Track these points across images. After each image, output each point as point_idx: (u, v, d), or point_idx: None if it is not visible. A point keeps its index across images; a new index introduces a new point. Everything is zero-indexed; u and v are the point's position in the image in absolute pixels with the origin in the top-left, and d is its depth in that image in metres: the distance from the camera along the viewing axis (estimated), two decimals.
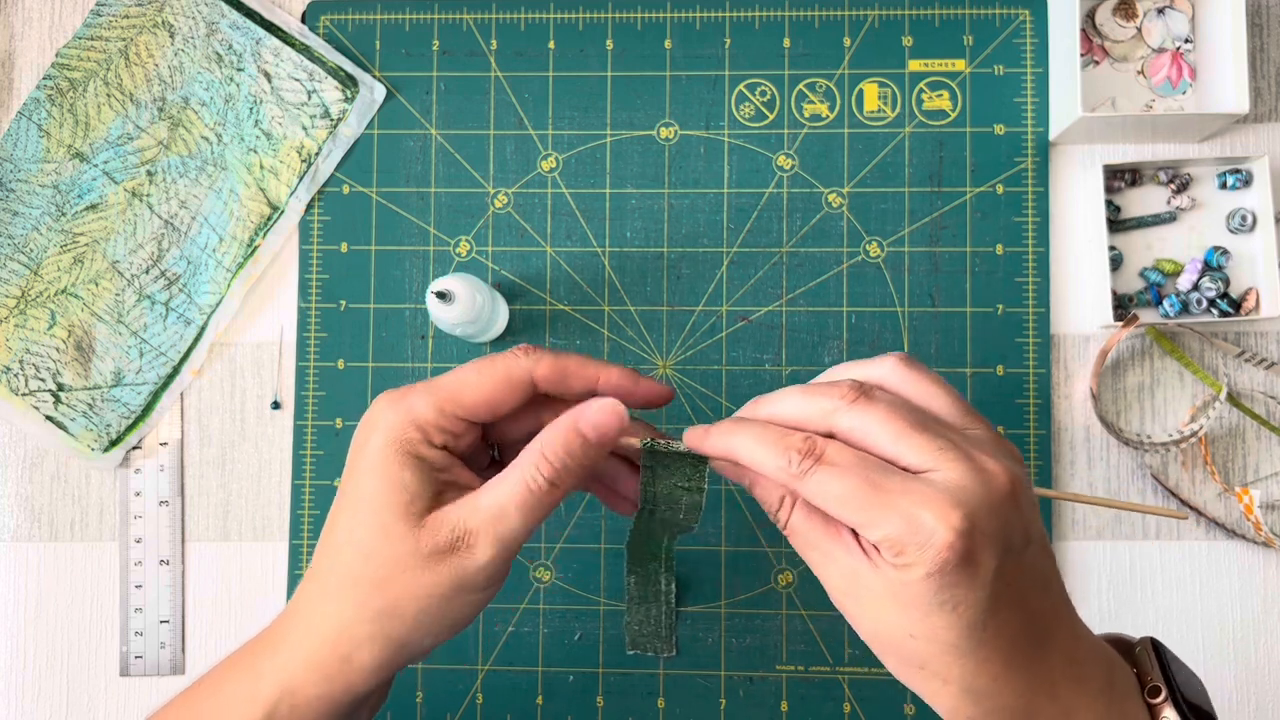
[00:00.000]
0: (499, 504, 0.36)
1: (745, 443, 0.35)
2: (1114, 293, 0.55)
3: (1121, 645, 0.39)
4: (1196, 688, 0.37)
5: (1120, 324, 0.53)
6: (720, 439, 0.36)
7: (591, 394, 0.39)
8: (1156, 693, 0.36)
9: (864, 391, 0.34)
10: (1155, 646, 0.38)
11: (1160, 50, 0.57)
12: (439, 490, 0.37)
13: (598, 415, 0.37)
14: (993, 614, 0.32)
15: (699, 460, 0.38)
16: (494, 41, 0.58)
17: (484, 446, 0.41)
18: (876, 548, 0.33)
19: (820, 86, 0.58)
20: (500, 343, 0.57)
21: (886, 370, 0.36)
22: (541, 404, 0.40)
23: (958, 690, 0.33)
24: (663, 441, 0.38)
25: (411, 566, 0.36)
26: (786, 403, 0.35)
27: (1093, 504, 0.39)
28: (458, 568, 0.36)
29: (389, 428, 0.37)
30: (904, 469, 0.33)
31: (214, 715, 0.37)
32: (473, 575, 0.36)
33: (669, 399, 0.40)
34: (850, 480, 0.32)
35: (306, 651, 0.37)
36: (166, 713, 0.39)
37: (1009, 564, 0.32)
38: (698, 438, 0.37)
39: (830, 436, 0.34)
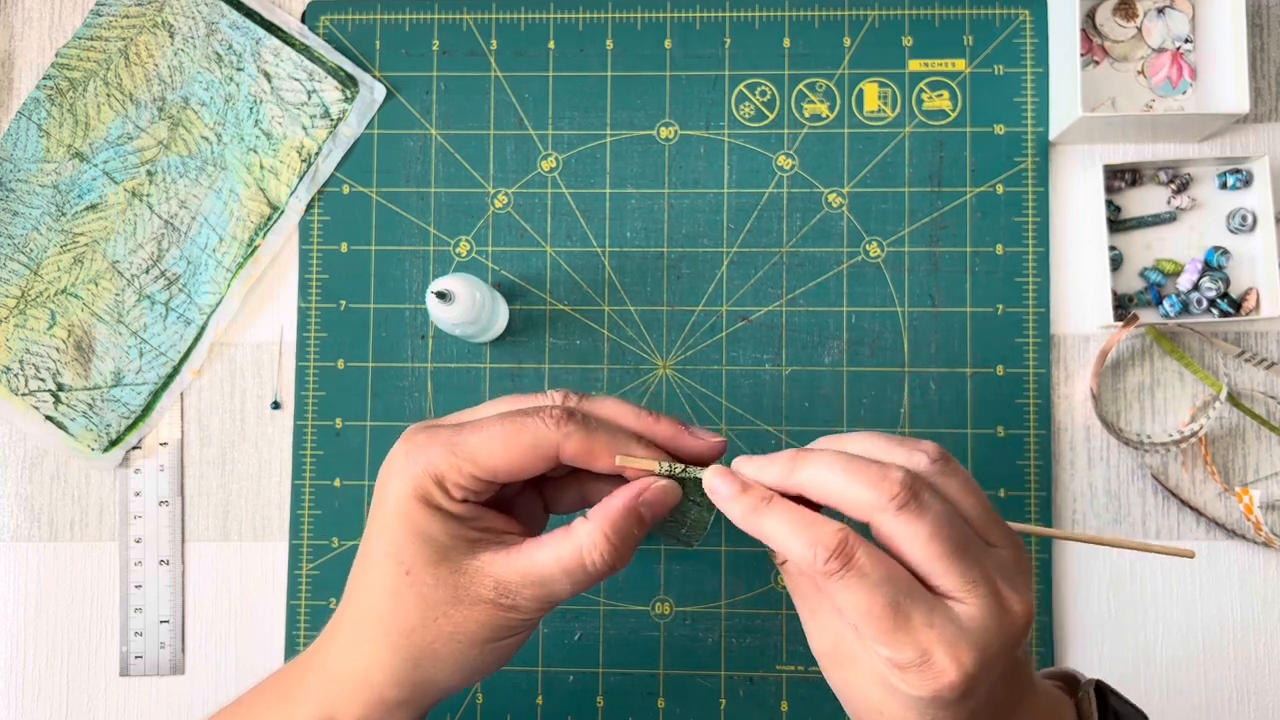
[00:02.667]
0: (547, 569, 0.35)
1: (774, 527, 0.34)
2: (1114, 293, 0.55)
3: (1069, 681, 0.40)
4: None
5: (1120, 324, 0.53)
6: (746, 517, 0.35)
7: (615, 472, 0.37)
8: None
9: (915, 495, 0.32)
10: (1099, 690, 0.38)
11: (1160, 50, 0.57)
12: (471, 538, 0.36)
13: (657, 499, 0.36)
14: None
15: None
16: (494, 41, 0.58)
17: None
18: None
19: (820, 86, 0.58)
20: (501, 343, 0.57)
21: (925, 465, 0.34)
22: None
23: None
24: (680, 468, 0.37)
25: (447, 612, 0.35)
26: (832, 475, 0.33)
27: (1099, 544, 0.38)
28: (498, 618, 0.36)
29: (407, 479, 0.36)
30: (931, 587, 0.32)
31: None
32: (512, 626, 0.36)
33: (723, 450, 0.38)
34: (876, 598, 0.31)
35: (344, 688, 0.37)
36: None
37: (998, 687, 0.33)
38: (726, 495, 0.35)
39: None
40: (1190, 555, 0.37)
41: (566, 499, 0.41)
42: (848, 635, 0.34)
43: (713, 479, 0.36)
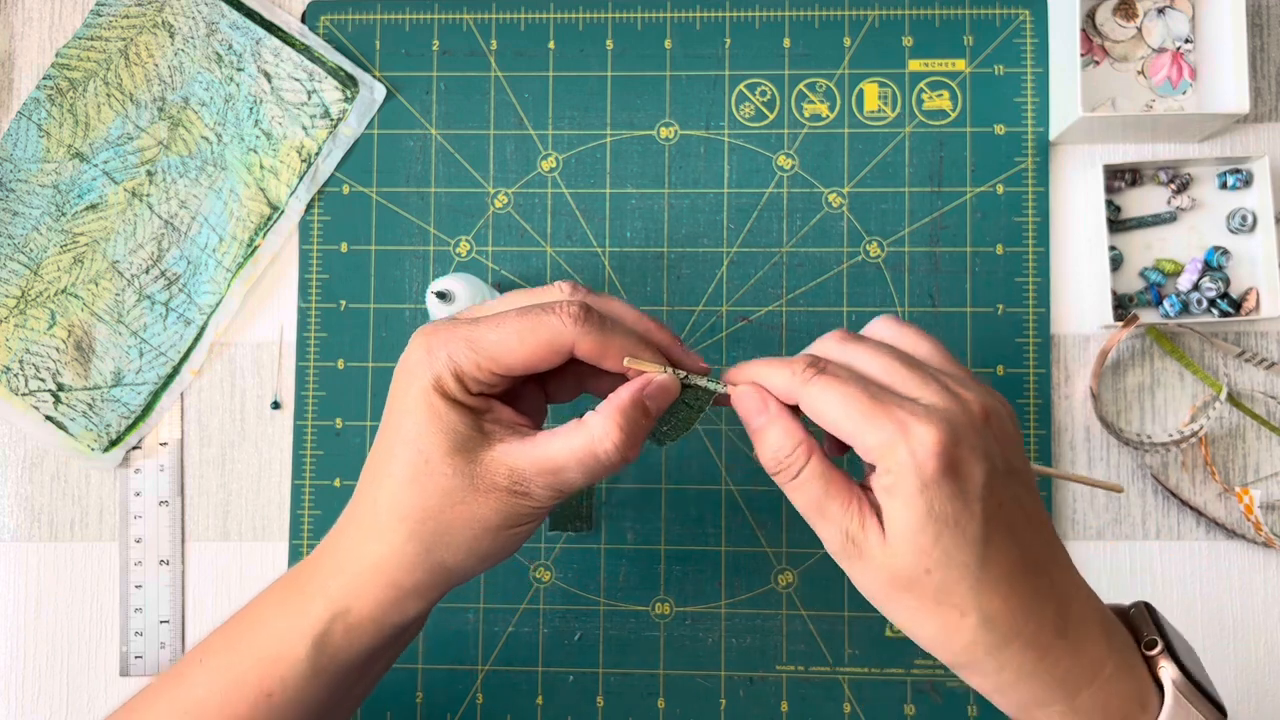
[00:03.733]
0: (560, 459, 0.37)
1: (759, 368, 0.38)
2: (1114, 293, 0.55)
3: (1115, 610, 0.40)
4: (1189, 649, 0.38)
5: (1120, 324, 0.53)
6: (743, 370, 0.38)
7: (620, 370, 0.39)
8: (1153, 645, 0.37)
9: (857, 337, 0.38)
10: (1149, 608, 0.39)
11: (1160, 50, 0.57)
12: (487, 430, 0.37)
13: (659, 393, 0.38)
14: (992, 532, 0.34)
15: (710, 391, 0.39)
16: (494, 41, 0.58)
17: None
18: (870, 491, 0.35)
19: (820, 86, 0.58)
20: None
21: (878, 326, 0.39)
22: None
23: (976, 620, 0.34)
24: (684, 374, 0.39)
25: (464, 499, 0.37)
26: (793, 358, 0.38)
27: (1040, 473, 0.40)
28: (512, 505, 0.37)
29: (429, 373, 0.37)
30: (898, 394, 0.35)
31: (263, 639, 0.38)
32: (525, 514, 0.38)
33: (706, 374, 0.41)
34: (849, 390, 0.35)
35: (356, 578, 0.37)
36: (211, 642, 0.40)
37: (995, 483, 0.34)
38: (728, 374, 0.39)
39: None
40: (1119, 490, 0.40)
41: (566, 389, 0.42)
42: (854, 528, 0.35)
43: (727, 371, 0.39)
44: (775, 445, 0.36)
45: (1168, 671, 0.37)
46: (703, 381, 0.39)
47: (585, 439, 0.36)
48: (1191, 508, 0.55)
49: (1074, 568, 0.37)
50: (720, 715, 0.55)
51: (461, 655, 0.56)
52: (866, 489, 0.36)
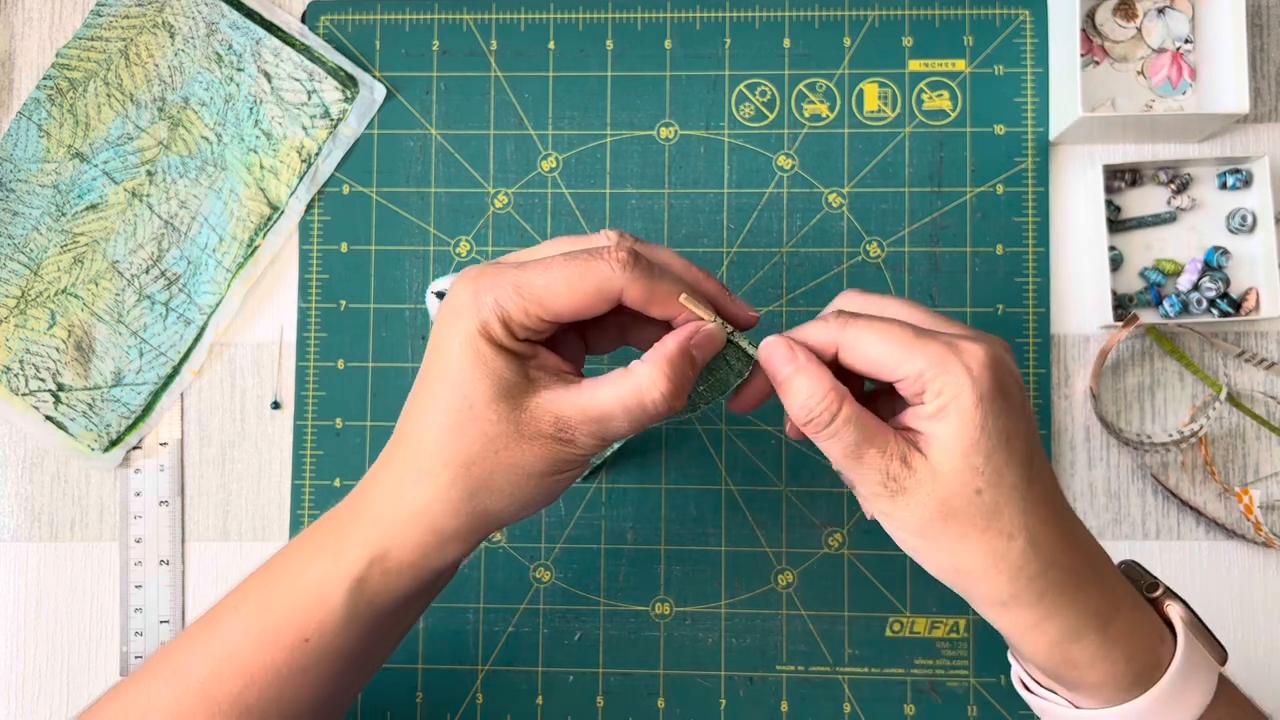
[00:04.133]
0: (607, 407, 0.36)
1: (799, 329, 0.38)
2: (1114, 293, 0.55)
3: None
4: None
5: (1120, 324, 0.53)
6: (785, 334, 0.38)
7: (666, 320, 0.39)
8: (1155, 588, 0.39)
9: (874, 294, 0.39)
10: (1138, 564, 0.41)
11: (1160, 50, 0.57)
12: (533, 376, 0.37)
13: (706, 342, 0.38)
14: (1033, 453, 0.35)
15: (750, 355, 0.39)
16: (494, 41, 0.58)
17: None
18: (910, 424, 0.36)
19: (820, 86, 0.58)
20: None
21: (853, 298, 0.40)
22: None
23: (1024, 543, 0.35)
24: (730, 328, 0.38)
25: (508, 446, 0.36)
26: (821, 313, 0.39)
27: None
28: (556, 452, 0.37)
29: (474, 316, 0.36)
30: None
31: (300, 584, 0.38)
32: (569, 461, 0.37)
33: (754, 323, 0.40)
34: (890, 326, 0.35)
35: (395, 524, 0.37)
36: (246, 588, 0.39)
37: (1029, 406, 0.36)
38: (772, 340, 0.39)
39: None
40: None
41: (607, 340, 0.41)
42: (895, 467, 0.35)
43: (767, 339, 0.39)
44: (805, 394, 0.36)
45: (1175, 610, 0.38)
46: (743, 341, 0.38)
47: (633, 387, 0.36)
48: (1191, 508, 0.55)
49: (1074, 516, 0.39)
50: (720, 715, 0.55)
51: (461, 655, 0.56)
52: (901, 429, 0.36)
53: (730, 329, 0.38)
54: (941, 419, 0.34)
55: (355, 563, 0.37)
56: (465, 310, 0.36)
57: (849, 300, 0.39)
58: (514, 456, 0.36)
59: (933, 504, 0.35)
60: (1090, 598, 0.36)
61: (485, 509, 0.37)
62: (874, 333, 0.35)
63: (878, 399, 0.40)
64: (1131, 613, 0.37)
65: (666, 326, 0.38)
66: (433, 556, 0.37)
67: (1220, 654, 0.39)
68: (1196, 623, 0.38)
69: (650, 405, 0.36)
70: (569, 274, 0.36)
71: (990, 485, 0.34)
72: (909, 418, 0.36)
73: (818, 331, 0.37)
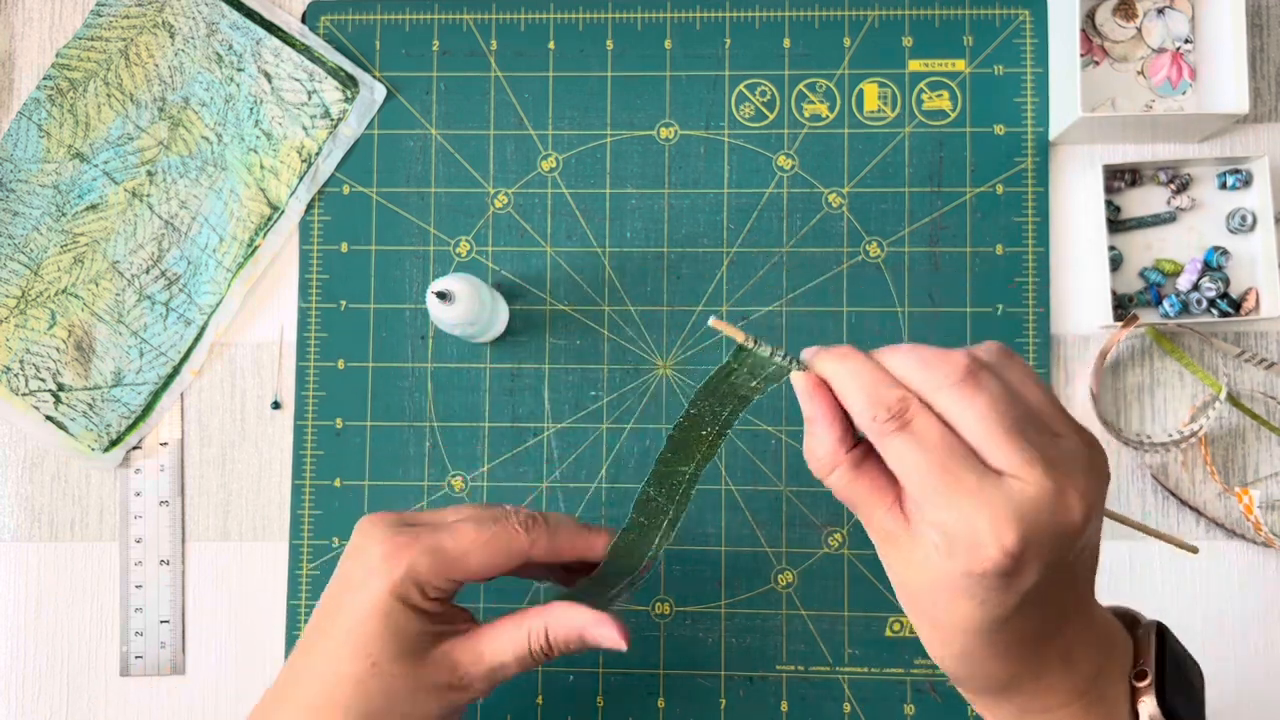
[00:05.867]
0: (501, 658, 0.40)
1: (846, 373, 0.33)
2: (1114, 293, 0.55)
3: (1128, 619, 0.39)
4: (1191, 682, 0.37)
5: (1120, 324, 0.53)
6: (829, 361, 0.34)
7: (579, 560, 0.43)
8: (1143, 676, 0.36)
9: (973, 374, 0.32)
10: (1160, 631, 0.37)
11: (1160, 50, 0.57)
12: (436, 631, 0.40)
13: (603, 638, 0.41)
14: (1016, 613, 0.32)
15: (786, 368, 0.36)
16: (494, 41, 0.58)
17: None
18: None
19: (820, 86, 0.58)
20: (501, 343, 0.57)
21: (988, 355, 0.34)
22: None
23: (958, 653, 0.34)
24: (761, 346, 0.36)
25: (408, 698, 0.39)
26: (898, 359, 0.33)
27: (1113, 519, 0.37)
28: (453, 700, 0.40)
29: (387, 579, 0.39)
30: (988, 466, 0.31)
31: None
32: (464, 704, 0.41)
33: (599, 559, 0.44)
34: (928, 458, 0.31)
35: None
36: None
37: (1049, 576, 0.31)
38: (810, 351, 0.35)
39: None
40: (1194, 550, 0.39)
41: (530, 573, 0.46)
42: (896, 530, 0.33)
43: (806, 351, 0.36)
44: (811, 444, 0.34)
45: (1146, 707, 0.35)
46: (779, 357, 0.35)
47: (523, 637, 0.40)
48: (1191, 508, 0.55)
49: (1093, 604, 0.36)
50: (720, 715, 0.55)
51: None
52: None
53: (758, 342, 0.36)
54: (932, 550, 0.32)
55: None
56: (377, 571, 0.39)
57: (953, 367, 0.32)
58: (412, 709, 0.39)
59: (897, 575, 0.34)
60: (1030, 703, 0.35)
61: None
62: (911, 459, 0.31)
63: None
64: (1076, 714, 0.35)
65: (580, 565, 0.43)
66: None
67: None
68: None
69: (536, 655, 0.41)
70: (479, 539, 0.40)
71: (944, 613, 0.33)
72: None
73: (859, 407, 0.33)
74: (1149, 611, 0.56)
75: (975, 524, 0.30)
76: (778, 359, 0.35)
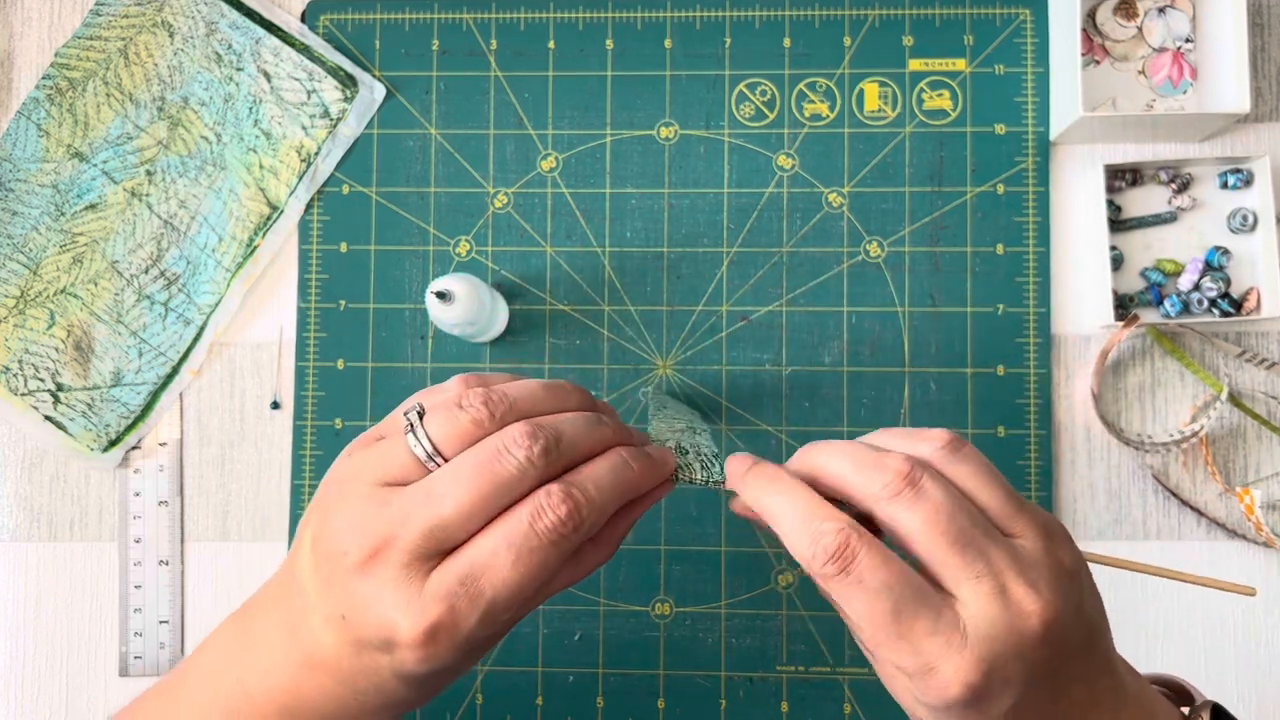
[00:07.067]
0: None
1: (781, 506, 0.32)
2: (1115, 293, 0.55)
3: (1179, 692, 0.37)
4: None
5: (1121, 324, 0.53)
6: (756, 491, 0.33)
7: None
8: None
9: (912, 482, 0.30)
10: (1217, 712, 0.35)
11: (1161, 50, 0.57)
12: None
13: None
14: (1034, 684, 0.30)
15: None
16: (494, 41, 0.58)
17: None
18: None
19: (820, 86, 0.57)
20: (501, 343, 0.57)
21: (931, 452, 0.32)
22: None
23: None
24: (691, 477, 0.37)
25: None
26: (834, 464, 0.32)
27: (1151, 574, 0.35)
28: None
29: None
30: (937, 582, 0.30)
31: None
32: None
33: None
34: (876, 605, 0.29)
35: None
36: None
37: (1030, 695, 0.30)
38: (737, 472, 0.34)
39: (869, 518, 0.32)
40: (1251, 593, 0.36)
41: None
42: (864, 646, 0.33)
43: (733, 460, 0.35)
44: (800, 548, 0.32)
45: None
46: (710, 481, 0.35)
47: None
48: (1192, 508, 0.55)
49: (1122, 696, 0.33)
50: (720, 715, 0.55)
51: None
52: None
53: (690, 478, 0.37)
54: (905, 685, 0.31)
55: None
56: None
57: (891, 474, 0.31)
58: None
59: (892, 686, 0.32)
60: None
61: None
62: (858, 604, 0.30)
63: None
64: None
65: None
66: None
67: None
68: None
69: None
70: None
71: None
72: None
73: (802, 548, 0.31)
74: (1151, 613, 0.56)
75: (932, 667, 0.29)
76: (709, 483, 0.36)
